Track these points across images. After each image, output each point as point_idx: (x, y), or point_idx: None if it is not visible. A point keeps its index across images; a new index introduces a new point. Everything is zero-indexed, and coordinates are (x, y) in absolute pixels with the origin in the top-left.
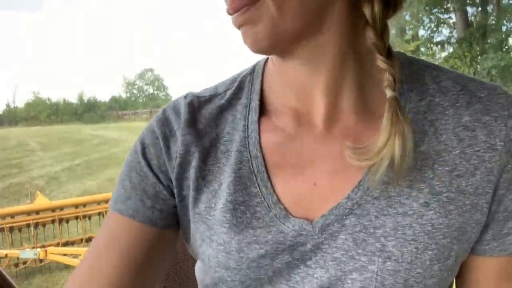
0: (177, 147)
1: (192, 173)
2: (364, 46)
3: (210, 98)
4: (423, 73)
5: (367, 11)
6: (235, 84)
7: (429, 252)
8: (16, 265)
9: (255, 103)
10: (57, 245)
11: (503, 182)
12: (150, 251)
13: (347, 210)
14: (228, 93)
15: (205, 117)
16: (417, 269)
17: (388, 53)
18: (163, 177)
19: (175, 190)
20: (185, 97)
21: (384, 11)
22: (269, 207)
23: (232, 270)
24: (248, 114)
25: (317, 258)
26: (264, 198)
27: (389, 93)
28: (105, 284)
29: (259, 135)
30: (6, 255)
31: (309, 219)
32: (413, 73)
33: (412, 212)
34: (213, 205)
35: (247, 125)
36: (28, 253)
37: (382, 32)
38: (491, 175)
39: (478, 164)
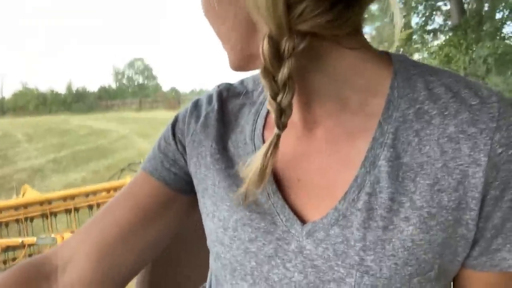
0: (197, 127)
1: (203, 151)
2: (327, 62)
3: (239, 93)
4: (418, 79)
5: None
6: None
7: (409, 268)
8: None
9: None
10: None
11: (490, 199)
12: (159, 208)
13: (333, 221)
14: (255, 93)
15: (229, 108)
16: (395, 284)
17: (285, 83)
18: (181, 148)
19: (188, 163)
20: (218, 86)
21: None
22: (268, 195)
23: (225, 246)
24: (261, 110)
25: (297, 262)
26: (265, 187)
27: (275, 129)
28: (112, 224)
29: (263, 128)
30: (22, 242)
31: (300, 215)
32: (408, 79)
33: (392, 226)
34: (217, 183)
35: (256, 120)
36: (45, 240)
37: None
38: (475, 191)
39: (461, 179)
